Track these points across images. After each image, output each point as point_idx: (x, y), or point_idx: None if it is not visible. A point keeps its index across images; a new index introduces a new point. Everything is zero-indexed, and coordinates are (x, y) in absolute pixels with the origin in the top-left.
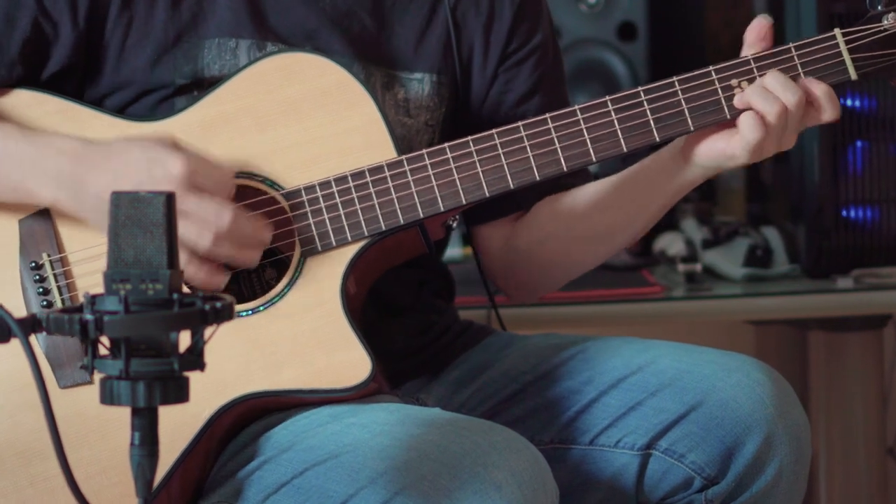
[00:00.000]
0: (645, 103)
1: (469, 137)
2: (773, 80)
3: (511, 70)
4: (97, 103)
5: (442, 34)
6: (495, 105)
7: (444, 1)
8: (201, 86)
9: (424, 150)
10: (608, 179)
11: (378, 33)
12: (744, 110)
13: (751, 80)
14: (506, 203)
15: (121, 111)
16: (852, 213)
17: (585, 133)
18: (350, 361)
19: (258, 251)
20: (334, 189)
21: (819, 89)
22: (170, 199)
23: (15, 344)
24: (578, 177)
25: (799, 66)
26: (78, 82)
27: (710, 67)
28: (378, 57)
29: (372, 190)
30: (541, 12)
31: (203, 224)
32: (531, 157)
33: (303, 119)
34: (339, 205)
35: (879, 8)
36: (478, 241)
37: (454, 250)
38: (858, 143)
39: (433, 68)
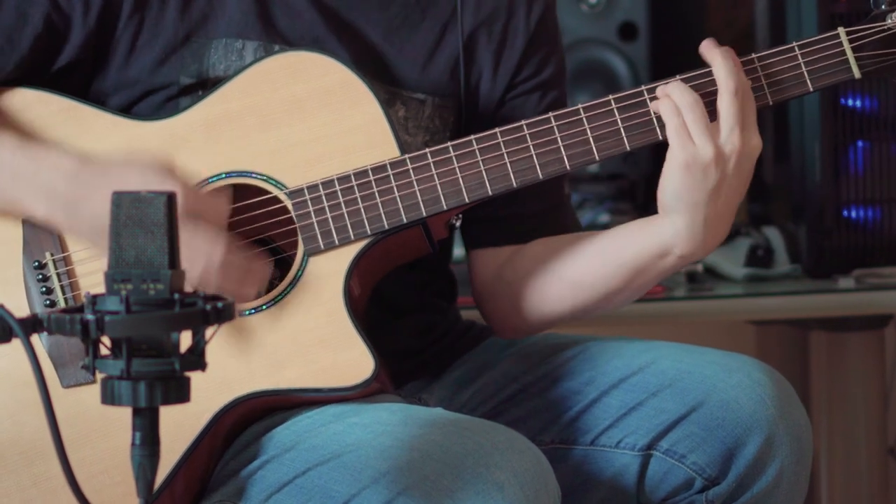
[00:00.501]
0: (648, 102)
1: (472, 136)
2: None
3: (519, 98)
4: (102, 100)
5: (450, 59)
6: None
7: (457, 24)
8: (206, 86)
9: (427, 150)
10: (594, 232)
11: (383, 50)
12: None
13: (754, 80)
14: (506, 233)
15: (126, 109)
16: (853, 213)
17: (588, 132)
18: (353, 360)
19: (253, 287)
20: (337, 188)
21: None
22: (171, 198)
23: (18, 342)
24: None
25: (802, 64)
26: (84, 78)
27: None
28: (380, 73)
29: (375, 189)
30: (555, 44)
31: (195, 255)
32: (534, 156)
33: (307, 118)
34: (342, 203)
35: (883, 7)
36: (471, 263)
37: (456, 250)
38: (860, 143)
39: (437, 91)
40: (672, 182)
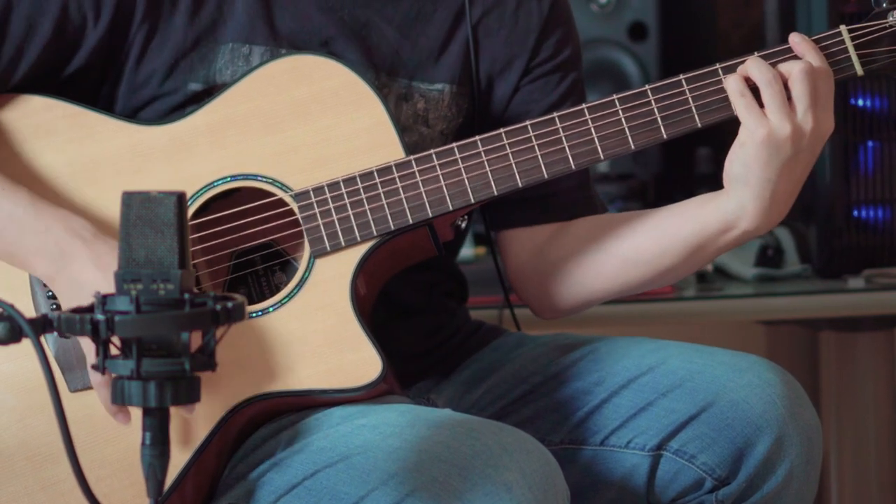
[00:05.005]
0: (653, 102)
1: (477, 137)
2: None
3: (535, 83)
4: (110, 105)
5: (464, 46)
6: (517, 118)
7: (466, 13)
8: (212, 91)
9: (433, 151)
10: (648, 210)
11: (399, 44)
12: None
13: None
14: (545, 211)
15: (133, 114)
16: (863, 213)
17: (593, 132)
18: (361, 361)
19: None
20: (343, 190)
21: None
22: (181, 198)
23: (25, 346)
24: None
25: None
26: (94, 83)
27: (717, 65)
28: (396, 68)
29: (381, 190)
30: (568, 29)
31: None
32: (539, 156)
33: (311, 120)
34: (348, 205)
35: (884, 5)
36: (505, 245)
37: (466, 251)
38: (870, 144)
39: (453, 79)
40: (744, 156)
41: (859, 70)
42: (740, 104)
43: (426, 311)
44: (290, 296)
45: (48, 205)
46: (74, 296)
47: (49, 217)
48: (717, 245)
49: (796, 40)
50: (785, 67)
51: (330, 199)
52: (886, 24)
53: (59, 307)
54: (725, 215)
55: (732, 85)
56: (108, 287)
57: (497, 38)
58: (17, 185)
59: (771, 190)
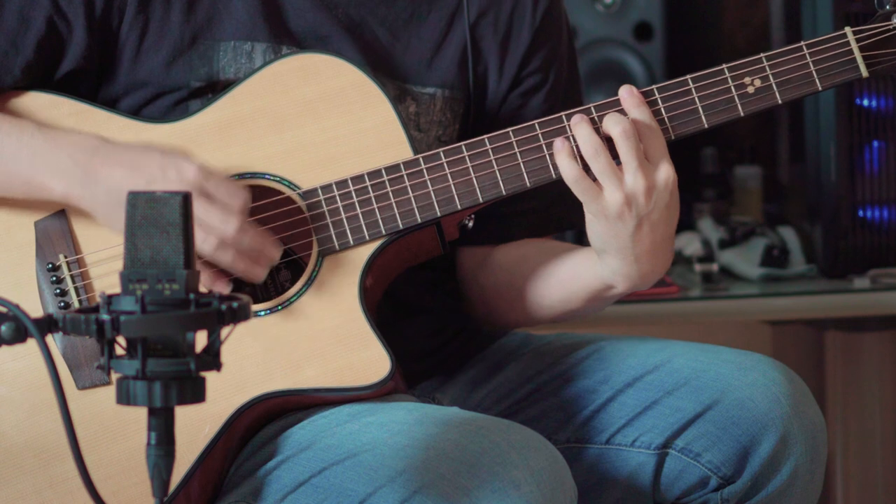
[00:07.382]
0: (659, 101)
1: (485, 136)
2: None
3: (526, 94)
4: (112, 104)
5: (458, 50)
6: (508, 124)
7: (462, 16)
8: (216, 88)
9: (441, 150)
10: (559, 251)
11: (391, 46)
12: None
13: (763, 79)
14: (483, 233)
15: (136, 113)
16: (869, 213)
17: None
18: (369, 359)
19: (264, 268)
20: (351, 188)
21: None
22: (186, 199)
23: (33, 344)
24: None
25: (811, 63)
26: (92, 82)
27: (724, 66)
28: (389, 69)
29: (389, 189)
30: (560, 35)
31: (207, 229)
32: (547, 156)
33: (319, 119)
34: (357, 204)
35: (888, 7)
36: (456, 260)
37: None
38: (875, 143)
39: (446, 83)
40: (594, 232)
41: (864, 72)
42: (576, 188)
43: (430, 309)
44: (298, 294)
45: (55, 128)
46: (110, 201)
47: (59, 137)
48: (607, 297)
49: (624, 95)
50: (607, 125)
51: (339, 198)
52: (891, 26)
53: (66, 305)
54: (602, 279)
55: (564, 158)
56: (138, 184)
57: (490, 43)
58: (20, 119)
59: (633, 254)
